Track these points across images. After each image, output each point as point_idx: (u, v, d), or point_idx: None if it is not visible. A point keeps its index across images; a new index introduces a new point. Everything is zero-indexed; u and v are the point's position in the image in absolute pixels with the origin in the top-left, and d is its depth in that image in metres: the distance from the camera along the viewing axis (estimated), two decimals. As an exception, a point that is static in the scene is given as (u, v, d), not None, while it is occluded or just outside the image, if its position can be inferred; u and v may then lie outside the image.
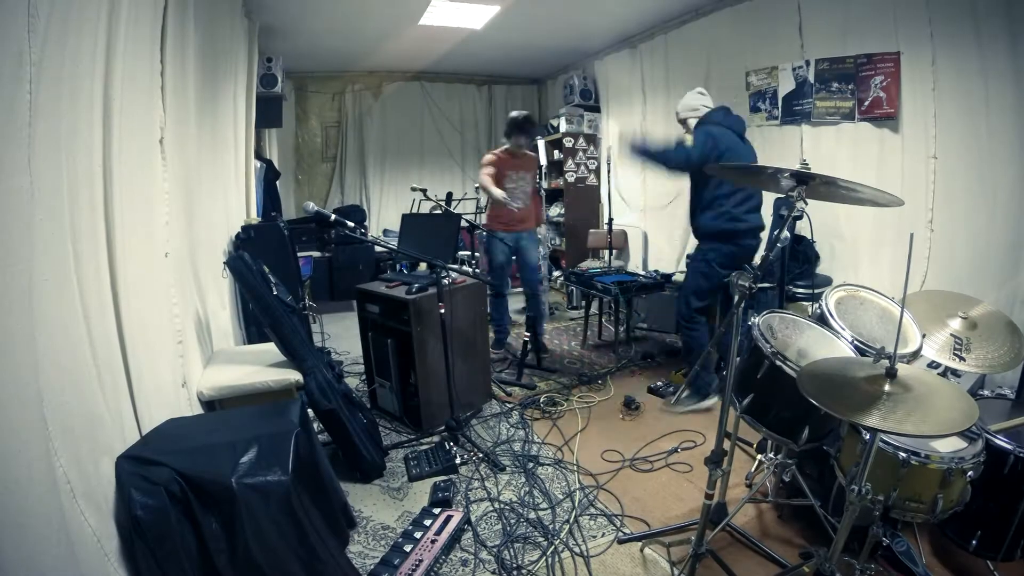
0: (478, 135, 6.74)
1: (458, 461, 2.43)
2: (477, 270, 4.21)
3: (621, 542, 1.95)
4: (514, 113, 3.61)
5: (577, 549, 1.91)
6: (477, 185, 3.87)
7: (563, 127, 5.60)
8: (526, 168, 3.66)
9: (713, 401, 2.92)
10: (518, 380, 3.43)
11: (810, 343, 1.82)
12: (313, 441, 1.72)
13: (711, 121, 2.77)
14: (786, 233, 1.53)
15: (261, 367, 2.25)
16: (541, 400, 3.13)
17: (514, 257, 3.74)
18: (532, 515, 2.11)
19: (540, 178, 3.98)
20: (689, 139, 2.81)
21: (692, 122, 2.87)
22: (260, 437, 1.47)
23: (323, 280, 5.47)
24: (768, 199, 2.90)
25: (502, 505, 2.17)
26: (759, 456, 2.26)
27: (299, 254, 3.82)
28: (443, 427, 2.71)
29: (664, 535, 1.94)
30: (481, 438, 2.73)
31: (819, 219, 3.23)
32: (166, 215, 2.01)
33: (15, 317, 1.07)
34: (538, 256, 3.83)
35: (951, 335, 1.85)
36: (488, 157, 3.60)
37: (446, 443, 2.53)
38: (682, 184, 4.48)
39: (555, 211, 5.89)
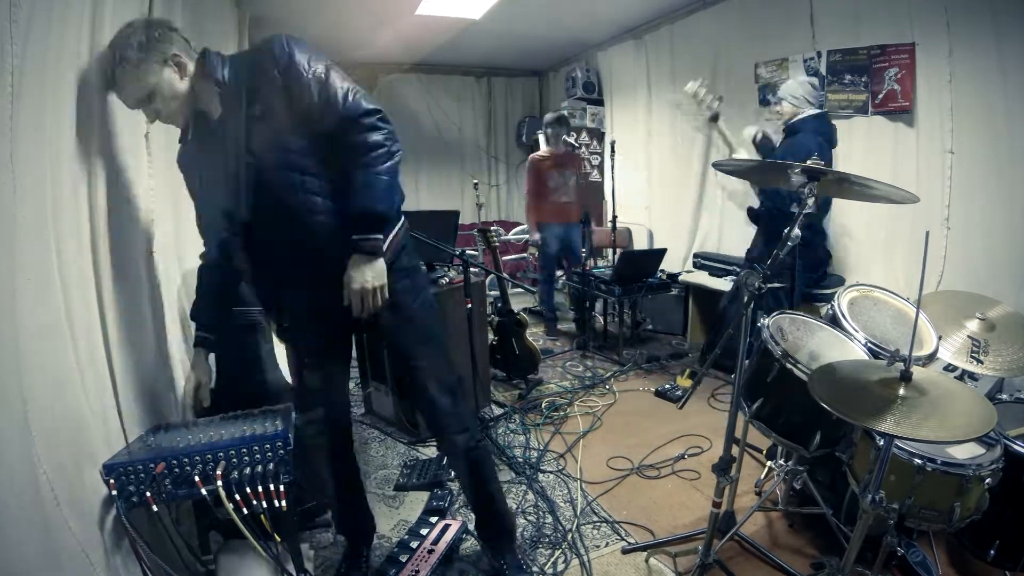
0: (476, 129, 6.73)
1: (451, 475, 2.41)
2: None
3: (625, 552, 1.96)
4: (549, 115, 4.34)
5: (580, 559, 1.91)
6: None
7: (565, 121, 5.60)
8: (568, 165, 4.31)
9: None
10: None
11: (822, 345, 1.82)
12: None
13: (808, 130, 2.67)
14: (797, 231, 1.54)
15: (252, 370, 2.24)
16: (543, 405, 3.13)
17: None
18: (533, 524, 2.11)
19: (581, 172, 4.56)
20: (768, 125, 2.67)
21: (791, 113, 2.75)
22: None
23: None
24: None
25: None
26: (769, 463, 2.26)
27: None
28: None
29: (670, 545, 1.95)
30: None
31: (831, 217, 3.23)
32: (152, 212, 2.01)
33: (-3, 318, 1.07)
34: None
35: (968, 337, 1.85)
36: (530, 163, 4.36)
37: (444, 458, 2.52)
38: (686, 182, 4.53)
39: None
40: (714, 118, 2.86)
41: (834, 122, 3.05)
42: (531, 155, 4.50)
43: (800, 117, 2.73)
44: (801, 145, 2.58)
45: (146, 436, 1.48)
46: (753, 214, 2.88)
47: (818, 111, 2.76)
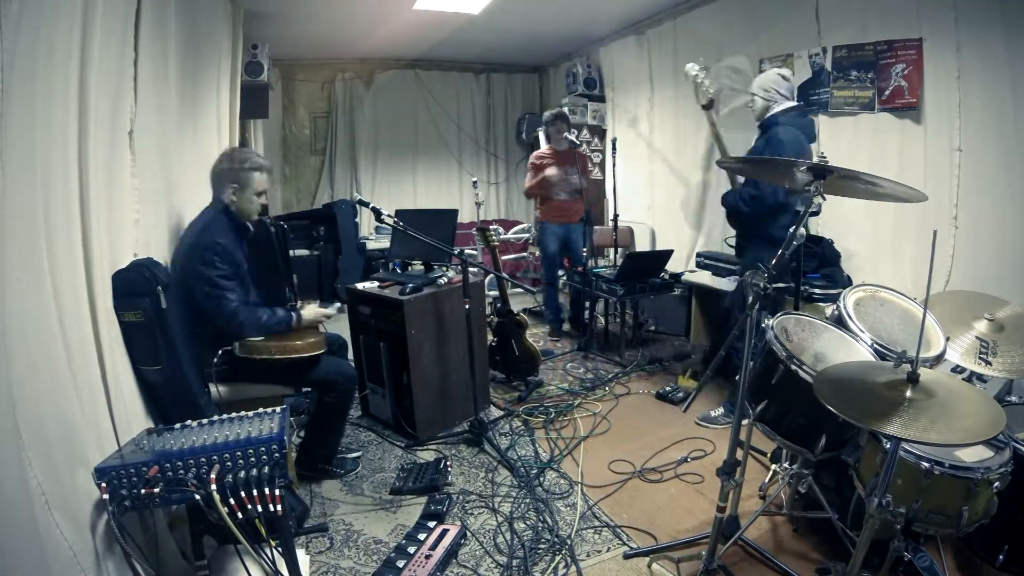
0: (476, 126, 6.73)
1: (448, 479, 2.41)
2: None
3: (627, 557, 1.96)
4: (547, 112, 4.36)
5: (580, 565, 1.91)
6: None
7: (566, 118, 5.59)
8: (570, 163, 4.16)
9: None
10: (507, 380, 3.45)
11: (827, 346, 1.82)
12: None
13: (783, 123, 2.64)
14: (802, 230, 1.54)
15: (246, 372, 2.24)
16: (543, 407, 3.13)
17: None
18: (533, 530, 2.11)
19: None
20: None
21: (762, 107, 2.73)
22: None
23: (311, 280, 5.46)
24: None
25: (501, 519, 2.18)
26: (773, 466, 2.26)
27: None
28: (462, 429, 2.76)
29: (673, 550, 1.95)
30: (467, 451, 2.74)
31: (837, 216, 3.23)
32: (136, 212, 2.00)
33: (-14, 319, 1.07)
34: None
35: (976, 338, 1.85)
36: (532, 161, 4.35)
37: (442, 462, 2.53)
38: (690, 180, 4.53)
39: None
40: (708, 105, 2.84)
41: (840, 120, 3.06)
42: (532, 153, 4.49)
43: (774, 112, 2.71)
44: (779, 141, 2.56)
45: (139, 439, 1.48)
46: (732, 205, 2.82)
47: (792, 104, 2.73)
